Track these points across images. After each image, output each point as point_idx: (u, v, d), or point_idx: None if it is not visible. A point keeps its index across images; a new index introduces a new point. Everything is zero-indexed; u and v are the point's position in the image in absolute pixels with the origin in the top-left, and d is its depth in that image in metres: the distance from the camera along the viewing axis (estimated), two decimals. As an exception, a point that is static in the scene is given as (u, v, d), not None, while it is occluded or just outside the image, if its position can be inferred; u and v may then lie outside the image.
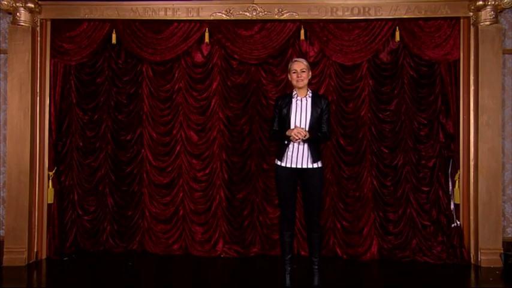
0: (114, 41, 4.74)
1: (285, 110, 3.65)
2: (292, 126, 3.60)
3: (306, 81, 3.67)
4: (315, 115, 3.62)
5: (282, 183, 3.68)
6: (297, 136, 3.48)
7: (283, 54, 4.78)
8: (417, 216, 4.68)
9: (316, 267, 3.70)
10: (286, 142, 3.62)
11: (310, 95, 3.71)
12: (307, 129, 3.57)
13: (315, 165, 3.62)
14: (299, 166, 3.62)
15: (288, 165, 3.63)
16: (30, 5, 4.52)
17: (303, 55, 4.63)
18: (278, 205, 4.00)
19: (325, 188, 4.62)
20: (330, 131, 3.79)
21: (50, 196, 4.68)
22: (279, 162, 3.68)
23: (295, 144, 3.59)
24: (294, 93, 3.72)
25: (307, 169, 3.61)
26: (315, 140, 3.61)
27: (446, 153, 4.65)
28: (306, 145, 3.59)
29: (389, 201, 4.71)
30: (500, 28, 4.49)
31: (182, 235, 4.86)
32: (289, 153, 3.62)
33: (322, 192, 3.93)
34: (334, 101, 4.72)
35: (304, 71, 3.66)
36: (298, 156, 3.61)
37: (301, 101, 3.67)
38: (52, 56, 4.72)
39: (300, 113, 3.63)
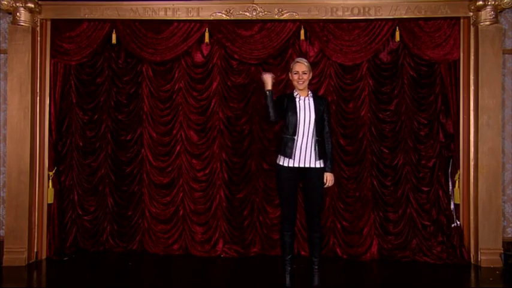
0: (114, 41, 4.74)
1: (289, 110, 3.65)
2: (299, 126, 3.61)
3: (306, 83, 3.71)
4: (319, 114, 3.66)
5: (284, 183, 3.68)
6: (267, 79, 3.59)
7: (283, 54, 4.79)
8: (417, 216, 4.68)
9: (316, 267, 3.71)
10: (267, 93, 3.60)
11: (311, 95, 3.74)
12: (312, 127, 3.60)
13: (318, 165, 3.63)
14: (302, 165, 3.62)
15: (291, 165, 3.63)
16: (30, 5, 4.52)
17: (303, 55, 4.63)
18: (279, 205, 4.00)
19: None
20: (331, 133, 3.81)
21: (50, 196, 4.68)
22: (281, 162, 3.68)
23: (303, 144, 3.60)
24: (295, 94, 3.73)
25: (310, 168, 3.63)
26: (329, 158, 3.70)
27: (446, 153, 4.65)
28: (313, 145, 3.61)
29: (389, 201, 4.71)
30: (500, 28, 4.49)
31: (182, 235, 4.86)
32: (297, 152, 3.61)
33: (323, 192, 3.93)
34: (334, 101, 4.72)
35: (305, 73, 3.68)
36: (304, 155, 3.61)
37: (305, 100, 3.69)
38: (52, 56, 4.72)
39: (304, 112, 3.65)
